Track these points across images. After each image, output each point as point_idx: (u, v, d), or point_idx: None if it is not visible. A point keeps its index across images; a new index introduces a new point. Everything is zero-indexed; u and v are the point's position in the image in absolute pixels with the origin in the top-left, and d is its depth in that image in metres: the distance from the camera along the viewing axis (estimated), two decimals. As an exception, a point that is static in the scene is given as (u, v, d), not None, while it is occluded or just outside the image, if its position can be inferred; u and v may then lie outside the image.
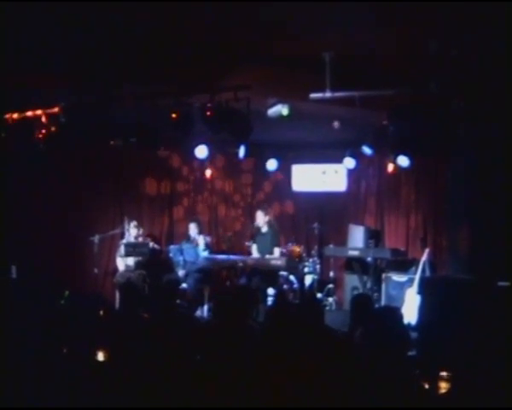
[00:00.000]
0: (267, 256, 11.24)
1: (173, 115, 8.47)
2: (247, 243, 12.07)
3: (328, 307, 11.21)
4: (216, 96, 8.31)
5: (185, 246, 11.70)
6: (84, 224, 11.81)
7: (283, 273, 11.14)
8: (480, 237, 10.30)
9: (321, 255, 12.03)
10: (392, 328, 4.06)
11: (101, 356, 4.87)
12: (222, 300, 5.88)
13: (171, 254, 11.84)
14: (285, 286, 11.12)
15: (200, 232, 11.83)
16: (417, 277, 10.10)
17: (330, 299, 11.62)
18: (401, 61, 8.03)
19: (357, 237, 11.95)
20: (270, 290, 10.84)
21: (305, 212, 13.22)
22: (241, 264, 11.14)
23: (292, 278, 11.22)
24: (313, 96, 8.33)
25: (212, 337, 5.17)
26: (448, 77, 7.80)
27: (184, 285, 11.24)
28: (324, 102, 8.35)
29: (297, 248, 11.78)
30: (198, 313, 11.00)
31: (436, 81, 7.73)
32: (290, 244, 11.84)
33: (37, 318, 5.28)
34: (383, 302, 10.64)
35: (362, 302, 6.39)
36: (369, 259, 11.48)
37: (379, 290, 10.96)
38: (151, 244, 11.68)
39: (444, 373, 4.49)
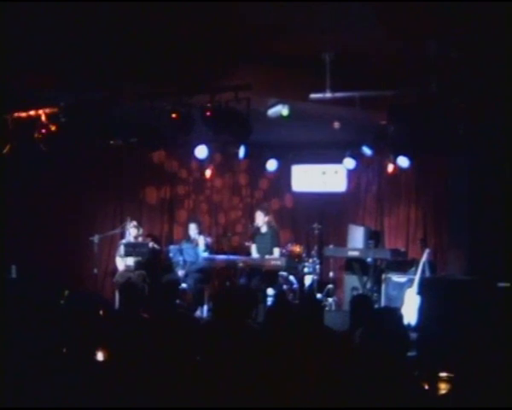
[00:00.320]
0: (267, 256, 11.24)
1: (173, 115, 8.46)
2: (246, 244, 12.07)
3: (327, 308, 11.21)
4: (216, 96, 8.30)
5: (185, 246, 11.69)
6: (83, 224, 11.81)
7: (283, 274, 11.14)
8: (479, 237, 10.30)
9: (321, 256, 12.02)
10: (392, 329, 4.06)
11: (100, 356, 4.87)
12: (222, 300, 5.88)
13: (170, 255, 11.83)
14: (285, 286, 11.12)
15: (200, 233, 11.82)
16: (417, 277, 10.09)
17: (330, 299, 11.62)
18: (401, 61, 8.03)
19: (356, 237, 11.95)
20: (270, 291, 10.84)
21: (305, 212, 13.21)
22: (240, 264, 11.14)
23: (291, 278, 11.23)
24: (313, 96, 8.33)
25: (212, 338, 5.17)
26: (448, 77, 7.81)
27: (184, 285, 11.23)
28: (324, 102, 8.35)
29: (297, 249, 11.77)
30: (198, 313, 11.00)
31: (436, 82, 7.73)
32: (290, 245, 11.83)
33: (37, 317, 5.27)
34: (383, 303, 10.64)
35: (361, 303, 6.39)
36: (368, 259, 11.48)
37: (379, 291, 10.97)
38: (151, 244, 11.67)
39: (443, 374, 4.49)
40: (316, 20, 6.97)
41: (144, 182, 12.70)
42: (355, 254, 11.68)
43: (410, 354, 4.41)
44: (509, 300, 8.33)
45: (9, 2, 6.36)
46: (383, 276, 10.92)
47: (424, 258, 10.31)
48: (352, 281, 11.87)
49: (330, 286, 11.84)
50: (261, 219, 11.56)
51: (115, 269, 11.65)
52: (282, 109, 8.94)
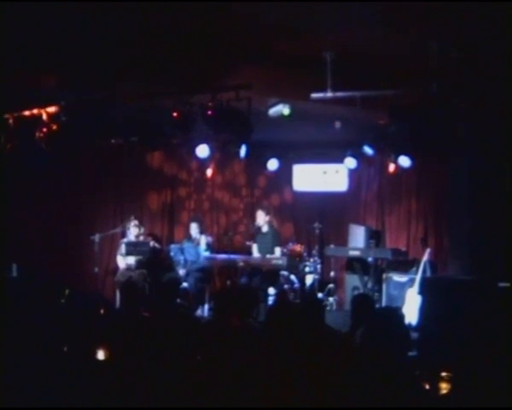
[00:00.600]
0: (268, 256, 11.23)
1: (174, 115, 8.46)
2: (247, 243, 12.07)
3: (328, 307, 11.21)
4: (217, 95, 8.30)
5: (186, 245, 11.69)
6: (84, 223, 11.80)
7: (284, 273, 11.14)
8: (480, 237, 10.30)
9: (322, 255, 12.02)
10: (393, 328, 4.06)
11: (101, 355, 4.87)
12: (222, 299, 5.88)
13: (171, 254, 11.83)
14: (286, 286, 11.11)
15: (202, 232, 11.82)
16: (418, 277, 10.08)
17: (331, 299, 11.62)
18: (402, 61, 8.03)
19: (357, 237, 11.94)
20: (271, 290, 10.84)
21: (305, 211, 13.21)
22: (241, 263, 11.13)
23: (293, 277, 11.22)
24: (314, 96, 8.33)
25: (213, 337, 5.17)
26: (449, 77, 7.81)
27: (185, 285, 11.23)
28: (325, 102, 8.35)
29: (298, 248, 11.77)
30: (198, 312, 11.00)
31: (437, 81, 7.73)
32: (291, 244, 11.83)
33: (38, 316, 5.27)
34: (384, 302, 10.63)
35: (362, 302, 6.39)
36: (369, 259, 11.48)
37: (380, 290, 10.96)
38: (152, 243, 11.66)
39: (444, 374, 4.49)
40: (317, 20, 6.97)
41: (145, 181, 12.69)
42: (356, 253, 11.67)
43: (410, 353, 4.42)
44: (509, 300, 8.32)
45: (10, 1, 6.37)
46: (384, 275, 10.91)
47: (425, 258, 10.31)
48: (352, 280, 11.87)
49: (331, 286, 11.84)
50: (262, 219, 11.56)
51: (116, 268, 11.65)
52: (283, 109, 8.94)
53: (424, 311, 9.52)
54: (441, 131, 8.91)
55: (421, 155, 10.85)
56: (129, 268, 11.42)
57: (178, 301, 9.15)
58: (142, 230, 11.73)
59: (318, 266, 11.78)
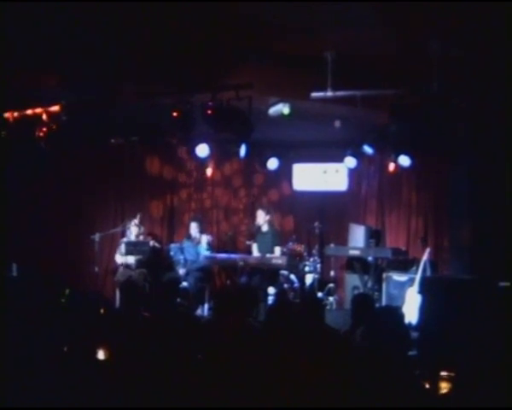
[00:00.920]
0: (268, 255, 11.23)
1: (174, 114, 8.46)
2: (247, 242, 12.07)
3: (328, 307, 11.19)
4: (217, 94, 8.31)
5: (186, 245, 11.70)
6: (84, 222, 11.82)
7: (284, 272, 11.14)
8: (480, 236, 10.30)
9: (321, 255, 12.01)
10: (393, 328, 4.06)
11: (101, 355, 4.87)
12: (222, 299, 5.88)
13: (171, 253, 11.83)
14: (286, 285, 11.11)
15: (202, 231, 11.82)
16: (418, 276, 10.08)
17: (331, 298, 11.61)
18: (402, 60, 8.03)
19: (357, 236, 11.94)
20: (271, 289, 10.84)
21: (305, 211, 13.21)
22: (241, 263, 11.12)
23: (292, 277, 11.22)
24: (314, 95, 8.33)
25: (213, 336, 5.17)
26: (449, 77, 7.80)
27: (185, 284, 11.23)
28: (326, 101, 8.35)
29: (298, 248, 11.77)
30: (198, 311, 11.01)
31: (437, 81, 7.73)
32: (291, 243, 11.83)
33: (38, 316, 5.27)
34: (384, 302, 10.63)
35: (362, 302, 6.39)
36: (369, 258, 11.48)
37: (380, 290, 10.95)
38: (152, 243, 11.67)
39: (444, 373, 4.49)
40: (317, 20, 6.97)
41: (145, 180, 12.69)
42: (356, 253, 11.67)
43: (410, 353, 4.42)
44: (509, 299, 8.32)
45: (11, 1, 6.37)
46: (384, 275, 10.91)
47: (425, 257, 10.30)
48: (352, 280, 11.86)
49: (331, 285, 11.83)
50: (262, 218, 11.55)
51: (116, 267, 11.65)
52: (284, 108, 8.94)
53: (424, 310, 9.51)
54: (441, 130, 8.92)
55: (422, 154, 10.86)
56: (128, 266, 11.40)
57: (178, 300, 9.15)
58: (143, 229, 11.72)
59: (318, 266, 11.77)
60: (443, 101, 8.14)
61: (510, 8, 6.16)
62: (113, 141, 11.41)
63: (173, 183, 12.99)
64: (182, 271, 11.49)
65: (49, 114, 8.73)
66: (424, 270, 10.23)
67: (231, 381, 4.28)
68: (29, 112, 8.80)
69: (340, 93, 8.21)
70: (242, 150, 10.10)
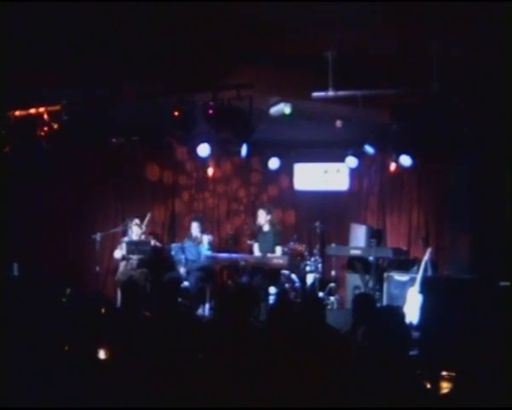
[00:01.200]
0: (269, 255, 11.22)
1: (175, 113, 8.46)
2: (248, 242, 12.07)
3: (329, 306, 11.20)
4: (218, 94, 8.30)
5: (187, 244, 11.70)
6: (85, 222, 11.82)
7: (285, 272, 11.14)
8: (481, 236, 10.30)
9: (323, 254, 12.02)
10: (394, 327, 4.06)
11: (102, 354, 4.87)
12: (224, 298, 5.88)
13: (172, 253, 11.83)
14: (287, 285, 11.11)
15: (203, 231, 11.82)
16: (419, 276, 10.09)
17: (332, 298, 11.61)
18: (404, 60, 8.03)
19: (359, 236, 11.94)
20: (272, 289, 10.83)
21: (306, 211, 13.21)
22: (242, 263, 11.13)
23: (294, 276, 11.23)
24: (316, 95, 8.33)
25: (214, 336, 5.17)
26: (450, 77, 7.80)
27: (186, 284, 11.23)
28: (327, 101, 8.35)
29: (299, 247, 11.77)
30: (199, 311, 11.00)
31: (438, 81, 7.73)
32: (292, 243, 11.83)
33: (39, 316, 5.28)
34: (385, 302, 10.63)
35: (364, 302, 6.38)
36: (370, 258, 11.48)
37: (381, 290, 10.96)
38: (153, 242, 11.66)
39: (445, 373, 4.49)
40: (318, 19, 6.97)
41: (146, 180, 12.69)
42: (357, 252, 11.68)
43: (411, 352, 4.42)
44: (510, 299, 8.32)
45: (11, 1, 6.37)
46: (385, 275, 10.91)
47: (426, 257, 10.31)
48: (353, 280, 11.87)
49: (332, 285, 11.83)
50: (263, 218, 11.55)
51: (117, 267, 11.64)
52: (285, 108, 8.94)
53: (425, 310, 9.52)
54: (442, 130, 8.91)
55: (423, 154, 10.86)
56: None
57: (179, 300, 9.15)
58: (144, 228, 11.72)
59: (319, 266, 11.78)
60: (444, 101, 8.14)
61: (510, 8, 6.16)
62: (114, 141, 11.40)
63: (174, 183, 12.98)
64: (183, 270, 11.49)
65: (50, 114, 8.73)
66: (425, 270, 10.24)
67: (232, 381, 4.29)
68: (30, 111, 8.80)
69: (341, 93, 8.20)
70: (243, 150, 10.11)
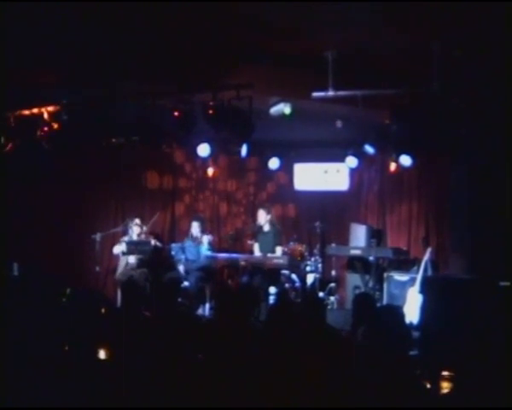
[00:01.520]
0: (269, 255, 11.22)
1: (175, 113, 8.47)
2: (249, 242, 12.07)
3: (329, 306, 11.20)
4: (218, 94, 8.31)
5: (187, 244, 11.69)
6: (85, 222, 11.81)
7: (285, 272, 11.14)
8: (481, 236, 10.30)
9: (323, 254, 12.01)
10: (394, 327, 4.06)
11: (102, 354, 4.87)
12: (223, 298, 5.88)
13: (172, 253, 11.82)
14: (287, 285, 11.11)
15: (203, 231, 11.81)
16: (419, 276, 10.08)
17: (332, 298, 11.61)
18: (403, 60, 8.03)
19: (359, 236, 11.94)
20: (272, 289, 10.82)
21: (307, 211, 13.21)
22: (242, 262, 11.13)
23: (294, 276, 11.22)
24: (316, 94, 8.33)
25: (214, 336, 5.17)
26: (450, 77, 7.80)
27: (186, 284, 11.23)
28: (327, 101, 8.35)
29: (299, 247, 11.77)
30: (199, 311, 11.00)
31: (438, 81, 7.73)
32: (292, 243, 11.83)
33: (39, 315, 5.27)
34: (385, 301, 10.63)
35: (364, 301, 6.38)
36: (371, 258, 11.47)
37: (381, 289, 10.95)
38: (153, 242, 11.65)
39: (445, 373, 4.49)
40: (318, 19, 6.97)
41: (146, 180, 12.70)
42: (357, 252, 11.67)
43: (412, 352, 4.42)
44: (510, 299, 8.32)
45: (11, 1, 6.37)
46: (385, 274, 10.90)
47: (426, 257, 10.30)
48: (354, 280, 11.87)
49: (332, 285, 11.83)
50: (263, 218, 11.54)
51: (117, 267, 11.64)
52: (285, 108, 8.94)
53: (425, 310, 9.52)
54: (442, 130, 8.91)
55: (423, 154, 10.86)
56: (130, 267, 11.39)
57: (179, 300, 9.15)
58: (145, 228, 11.71)
59: (319, 265, 11.77)
60: (444, 100, 8.14)
61: (510, 8, 6.16)
62: (113, 140, 11.39)
63: (175, 182, 12.99)
64: (183, 270, 11.48)
65: (50, 114, 8.74)
66: (425, 270, 10.23)
67: (232, 381, 4.28)
68: (30, 111, 8.80)
69: (341, 93, 8.21)
70: (244, 150, 10.10)
